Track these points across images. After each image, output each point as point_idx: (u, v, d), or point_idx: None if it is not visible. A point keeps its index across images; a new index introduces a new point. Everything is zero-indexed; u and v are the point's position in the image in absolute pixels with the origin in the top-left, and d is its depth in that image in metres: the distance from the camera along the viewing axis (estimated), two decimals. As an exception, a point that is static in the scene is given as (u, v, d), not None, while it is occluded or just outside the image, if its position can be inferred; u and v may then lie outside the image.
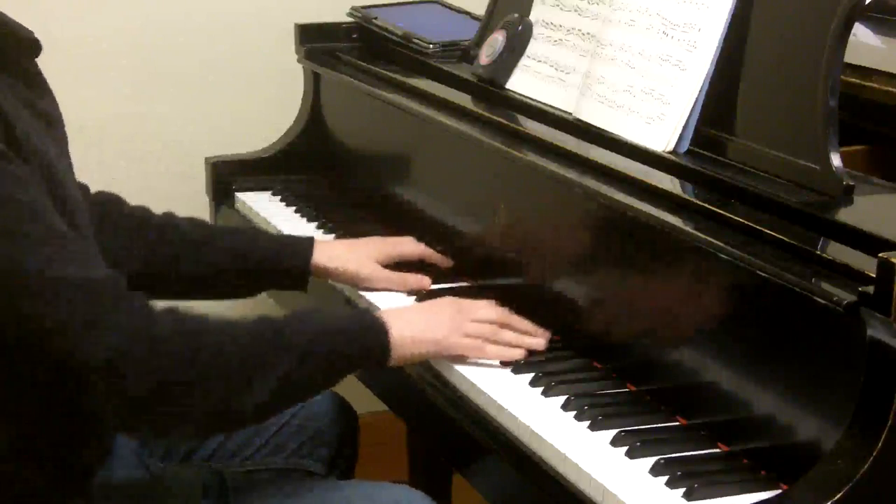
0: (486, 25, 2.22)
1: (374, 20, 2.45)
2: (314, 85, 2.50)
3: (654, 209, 1.61)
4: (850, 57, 1.66)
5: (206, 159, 2.50)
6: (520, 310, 1.78)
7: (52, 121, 1.59)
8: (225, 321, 1.53)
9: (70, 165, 1.62)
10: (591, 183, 1.73)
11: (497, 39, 2.09)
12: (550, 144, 1.85)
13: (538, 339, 1.73)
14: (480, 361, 1.70)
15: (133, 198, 1.94)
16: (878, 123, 1.88)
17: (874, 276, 1.30)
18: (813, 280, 1.38)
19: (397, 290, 1.94)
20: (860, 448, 1.27)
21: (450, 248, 2.02)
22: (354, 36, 2.52)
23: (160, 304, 1.51)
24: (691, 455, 1.46)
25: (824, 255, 1.41)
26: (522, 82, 2.05)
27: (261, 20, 2.78)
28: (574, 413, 1.55)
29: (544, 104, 1.98)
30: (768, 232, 1.48)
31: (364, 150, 2.40)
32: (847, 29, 1.57)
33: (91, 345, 1.39)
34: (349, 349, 1.59)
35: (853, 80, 1.90)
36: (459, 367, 1.69)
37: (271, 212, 2.34)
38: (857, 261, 1.37)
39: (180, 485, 1.72)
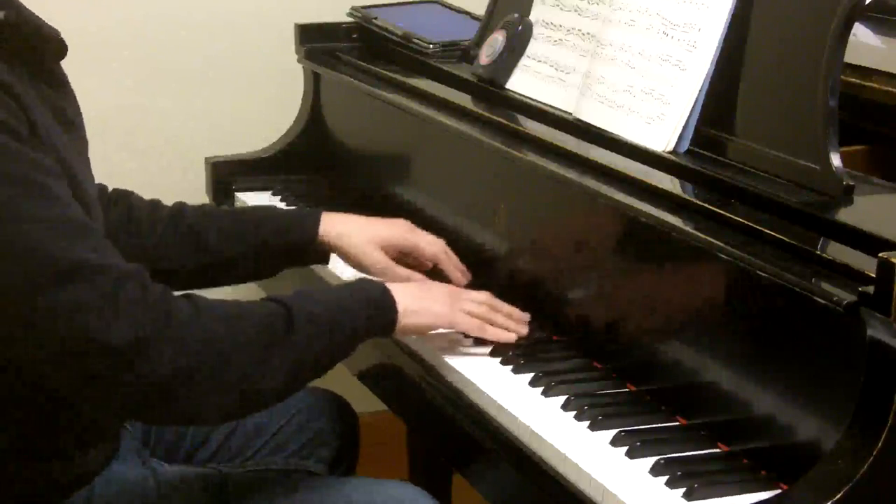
0: (486, 25, 2.22)
1: (374, 20, 2.45)
2: (314, 85, 2.50)
3: (654, 209, 1.61)
4: (850, 57, 1.66)
5: (207, 159, 2.50)
6: (520, 309, 1.79)
7: (73, 123, 1.58)
8: (237, 304, 1.53)
9: (89, 168, 1.62)
10: (591, 183, 1.73)
11: (497, 39, 2.09)
12: (550, 144, 1.85)
13: (523, 326, 1.76)
14: (480, 361, 1.70)
15: (135, 191, 1.94)
16: (878, 123, 1.88)
17: (874, 276, 1.30)
18: (813, 280, 1.38)
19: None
20: (860, 448, 1.27)
21: (449, 248, 2.01)
22: (354, 36, 2.52)
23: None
24: (691, 455, 1.46)
25: (824, 255, 1.41)
26: (522, 82, 2.05)
27: (261, 20, 2.79)
28: (574, 413, 1.55)
29: (544, 104, 1.98)
30: (768, 232, 1.48)
31: (364, 150, 2.40)
32: (847, 29, 1.57)
33: (118, 327, 1.39)
34: (359, 322, 1.61)
35: (853, 80, 1.90)
36: (459, 367, 1.69)
37: (271, 212, 2.34)
38: (857, 261, 1.37)
39: (182, 485, 1.72)
